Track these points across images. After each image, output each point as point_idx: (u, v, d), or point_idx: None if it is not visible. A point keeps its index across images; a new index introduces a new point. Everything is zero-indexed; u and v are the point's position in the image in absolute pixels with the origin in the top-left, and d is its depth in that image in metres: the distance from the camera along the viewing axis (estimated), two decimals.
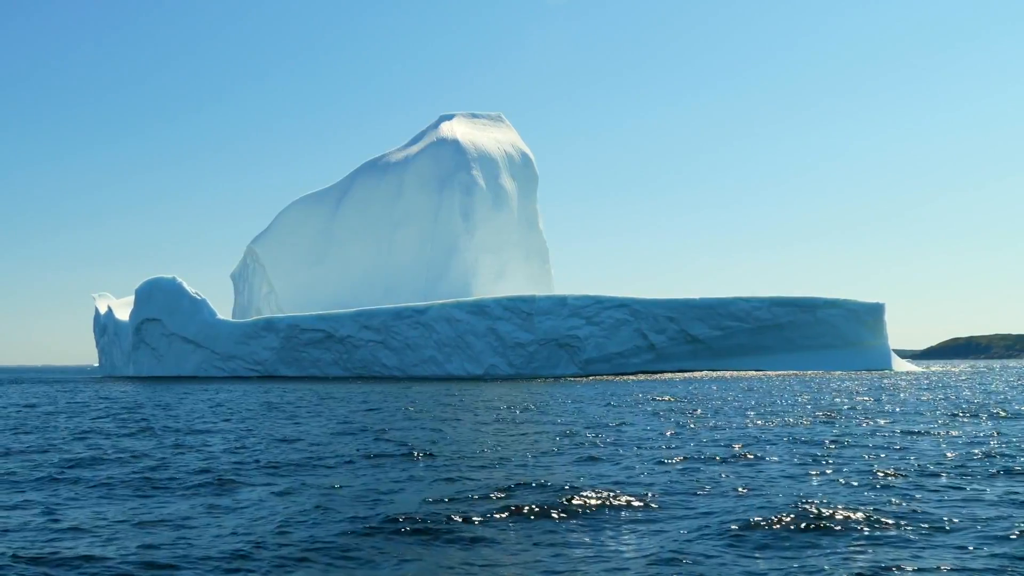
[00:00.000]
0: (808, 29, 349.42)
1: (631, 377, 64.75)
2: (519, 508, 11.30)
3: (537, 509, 11.29)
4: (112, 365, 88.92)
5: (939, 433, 21.10)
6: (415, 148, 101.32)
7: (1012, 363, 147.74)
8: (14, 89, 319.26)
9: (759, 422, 24.46)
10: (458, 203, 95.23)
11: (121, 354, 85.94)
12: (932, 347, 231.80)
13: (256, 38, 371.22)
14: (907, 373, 73.67)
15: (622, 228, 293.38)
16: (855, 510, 10.91)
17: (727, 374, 67.84)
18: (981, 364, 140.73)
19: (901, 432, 21.37)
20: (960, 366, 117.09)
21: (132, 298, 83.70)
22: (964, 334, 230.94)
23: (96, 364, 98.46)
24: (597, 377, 65.39)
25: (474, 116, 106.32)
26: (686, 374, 68.40)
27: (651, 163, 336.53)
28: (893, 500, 11.82)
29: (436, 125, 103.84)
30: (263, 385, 57.66)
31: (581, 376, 67.23)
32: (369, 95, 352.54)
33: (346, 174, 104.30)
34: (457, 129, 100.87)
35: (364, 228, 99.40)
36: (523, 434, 21.49)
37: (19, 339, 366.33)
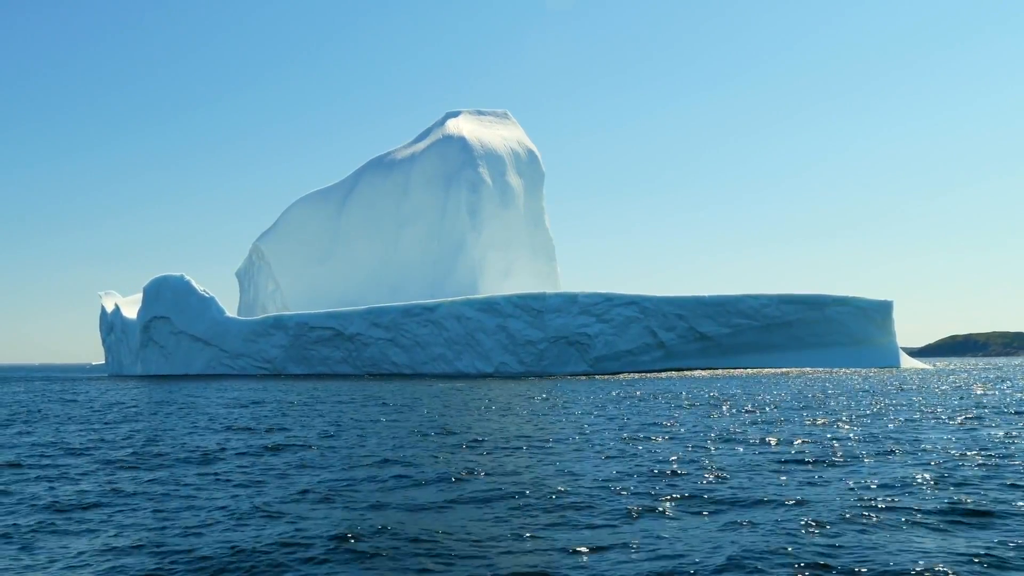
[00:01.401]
0: (813, 27, 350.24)
1: (649, 375, 64.53)
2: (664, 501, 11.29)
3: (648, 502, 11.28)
4: (119, 364, 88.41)
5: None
6: (421, 145, 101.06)
7: (1002, 360, 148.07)
8: (19, 88, 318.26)
9: (821, 421, 24.49)
10: (464, 200, 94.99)
11: (129, 352, 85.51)
12: (931, 344, 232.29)
13: (262, 36, 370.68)
14: (918, 370, 73.79)
15: (628, 225, 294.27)
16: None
17: (746, 371, 67.58)
18: (983, 361, 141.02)
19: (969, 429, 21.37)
20: (965, 363, 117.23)
21: (138, 296, 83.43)
22: (962, 332, 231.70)
23: (98, 362, 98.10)
24: (613, 376, 65.13)
25: (480, 113, 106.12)
26: (697, 372, 68.23)
27: (657, 160, 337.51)
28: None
29: (442, 122, 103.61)
30: (295, 384, 57.41)
31: (592, 374, 67.04)
32: (375, 92, 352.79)
33: (352, 171, 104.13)
34: (463, 126, 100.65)
35: (370, 226, 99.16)
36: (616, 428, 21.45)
37: (18, 338, 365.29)
